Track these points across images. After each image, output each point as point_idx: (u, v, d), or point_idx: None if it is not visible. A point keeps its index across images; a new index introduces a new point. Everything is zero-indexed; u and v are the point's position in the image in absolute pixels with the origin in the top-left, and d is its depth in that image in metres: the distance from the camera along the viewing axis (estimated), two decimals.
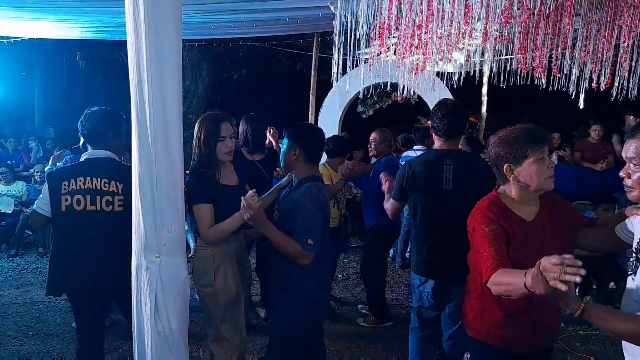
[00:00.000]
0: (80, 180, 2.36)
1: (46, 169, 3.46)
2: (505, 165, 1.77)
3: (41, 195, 2.46)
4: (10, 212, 5.95)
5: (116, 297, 2.73)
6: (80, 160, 2.51)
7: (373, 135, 4.07)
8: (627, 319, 1.36)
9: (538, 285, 1.29)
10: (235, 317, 2.37)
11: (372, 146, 4.07)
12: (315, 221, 2.14)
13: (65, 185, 2.37)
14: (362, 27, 2.86)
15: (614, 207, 4.34)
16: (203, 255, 2.34)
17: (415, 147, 5.21)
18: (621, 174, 1.45)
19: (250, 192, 2.11)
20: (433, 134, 2.65)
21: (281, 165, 2.35)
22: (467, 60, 3.55)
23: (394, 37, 3.07)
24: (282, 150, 2.30)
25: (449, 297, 2.61)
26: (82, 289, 2.44)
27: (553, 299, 1.30)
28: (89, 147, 2.49)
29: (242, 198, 2.09)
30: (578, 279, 1.20)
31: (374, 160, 4.49)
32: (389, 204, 2.78)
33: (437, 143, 2.63)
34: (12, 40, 5.52)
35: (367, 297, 4.11)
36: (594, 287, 4.32)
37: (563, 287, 1.21)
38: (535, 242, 1.64)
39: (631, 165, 1.42)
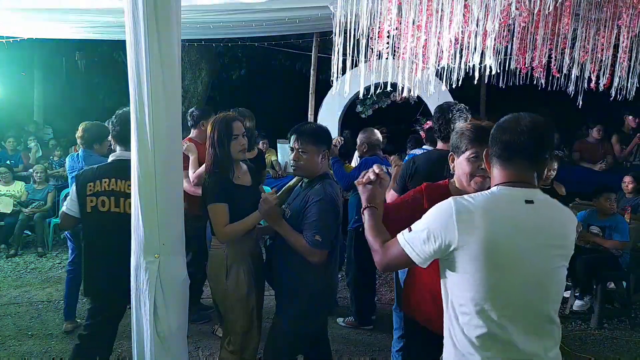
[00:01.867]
0: (105, 182, 2.39)
1: None
2: (450, 154, 1.86)
3: (69, 197, 2.50)
4: (9, 212, 5.95)
5: None
6: (108, 161, 2.53)
7: (358, 136, 4.05)
8: (382, 232, 1.59)
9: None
10: (244, 316, 2.39)
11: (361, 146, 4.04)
12: (326, 218, 2.13)
13: (90, 186, 2.39)
14: (361, 27, 2.86)
15: (613, 196, 4.34)
16: (216, 255, 2.38)
17: (424, 147, 5.15)
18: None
19: (271, 191, 2.27)
20: (435, 136, 2.83)
21: (293, 168, 2.29)
22: (466, 60, 3.55)
23: (393, 37, 3.07)
24: (302, 155, 2.21)
25: None
26: (108, 289, 2.45)
27: (365, 195, 1.67)
28: (118, 148, 2.50)
29: (263, 195, 2.22)
30: (372, 176, 1.66)
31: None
32: (389, 195, 2.82)
33: (439, 144, 2.79)
34: (11, 40, 5.51)
35: (350, 298, 4.07)
36: (594, 286, 4.33)
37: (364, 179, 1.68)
38: None
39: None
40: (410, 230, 1.45)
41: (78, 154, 3.88)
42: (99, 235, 2.42)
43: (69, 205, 2.48)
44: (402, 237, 1.45)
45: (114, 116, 2.51)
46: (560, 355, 1.45)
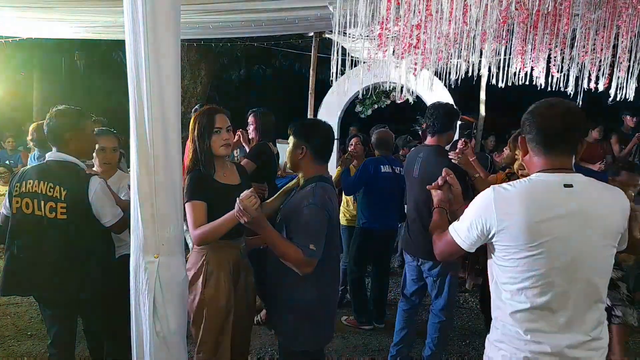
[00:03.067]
0: (30, 183, 2.27)
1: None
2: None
3: (6, 196, 2.42)
4: None
5: (77, 309, 2.53)
6: (42, 162, 2.41)
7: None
8: (443, 228, 1.69)
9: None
10: (219, 328, 2.17)
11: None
12: (318, 224, 1.94)
13: (17, 187, 2.30)
14: (360, 27, 2.86)
15: None
16: (196, 259, 2.18)
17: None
18: None
19: (246, 191, 1.89)
20: (427, 132, 3.17)
21: (287, 165, 2.20)
22: (465, 60, 3.55)
23: (392, 36, 3.07)
24: (288, 148, 2.15)
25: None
26: (33, 295, 2.39)
27: (436, 198, 1.83)
28: (53, 149, 2.38)
29: (238, 199, 1.87)
30: (440, 181, 1.78)
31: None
32: None
33: (428, 139, 3.14)
34: (10, 40, 5.51)
35: (350, 297, 4.09)
36: None
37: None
38: None
39: None
40: (458, 220, 1.61)
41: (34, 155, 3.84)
42: (22, 238, 2.29)
43: (4, 206, 2.41)
44: (452, 227, 1.62)
45: (47, 115, 2.37)
46: (607, 332, 1.53)
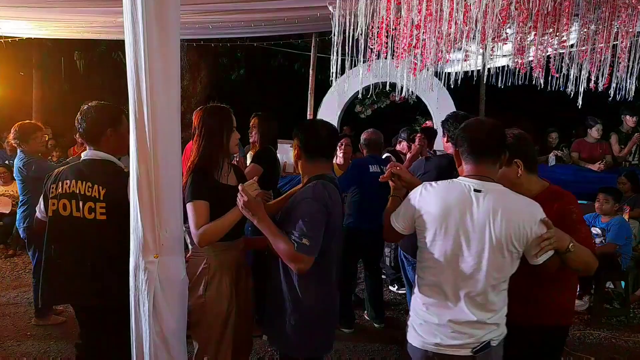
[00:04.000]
0: (66, 184, 2.16)
1: None
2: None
3: (40, 200, 2.33)
4: (7, 212, 5.94)
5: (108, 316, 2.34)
6: (79, 161, 2.29)
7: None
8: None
9: None
10: (221, 334, 2.14)
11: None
12: (314, 219, 1.90)
13: (53, 188, 2.20)
14: (360, 27, 2.87)
15: (610, 197, 4.33)
16: (197, 263, 2.13)
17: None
18: None
19: (251, 180, 1.99)
20: (449, 144, 2.94)
21: (294, 167, 2.25)
22: (465, 60, 3.55)
23: (392, 36, 3.07)
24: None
25: None
26: (75, 302, 2.29)
27: (392, 187, 2.05)
28: (88, 147, 2.28)
29: (240, 185, 1.92)
30: (387, 173, 2.00)
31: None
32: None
33: (452, 149, 2.90)
34: (10, 40, 5.52)
35: None
36: (593, 286, 4.34)
37: None
38: None
39: None
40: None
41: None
42: (59, 242, 2.19)
43: (38, 208, 2.33)
44: (392, 215, 1.92)
45: (79, 112, 2.25)
46: (502, 318, 1.73)
